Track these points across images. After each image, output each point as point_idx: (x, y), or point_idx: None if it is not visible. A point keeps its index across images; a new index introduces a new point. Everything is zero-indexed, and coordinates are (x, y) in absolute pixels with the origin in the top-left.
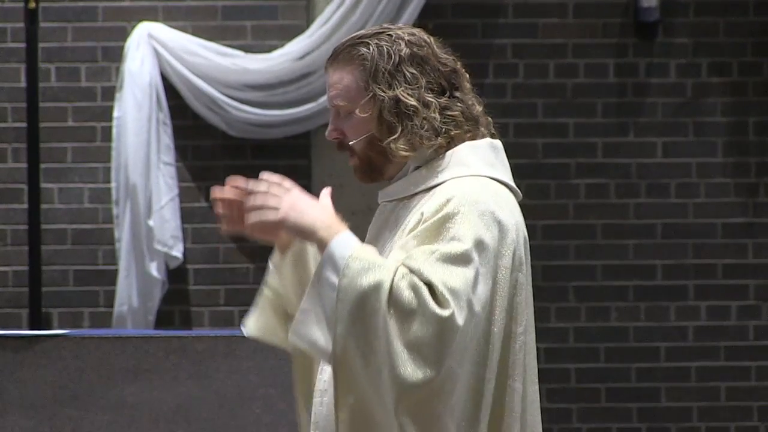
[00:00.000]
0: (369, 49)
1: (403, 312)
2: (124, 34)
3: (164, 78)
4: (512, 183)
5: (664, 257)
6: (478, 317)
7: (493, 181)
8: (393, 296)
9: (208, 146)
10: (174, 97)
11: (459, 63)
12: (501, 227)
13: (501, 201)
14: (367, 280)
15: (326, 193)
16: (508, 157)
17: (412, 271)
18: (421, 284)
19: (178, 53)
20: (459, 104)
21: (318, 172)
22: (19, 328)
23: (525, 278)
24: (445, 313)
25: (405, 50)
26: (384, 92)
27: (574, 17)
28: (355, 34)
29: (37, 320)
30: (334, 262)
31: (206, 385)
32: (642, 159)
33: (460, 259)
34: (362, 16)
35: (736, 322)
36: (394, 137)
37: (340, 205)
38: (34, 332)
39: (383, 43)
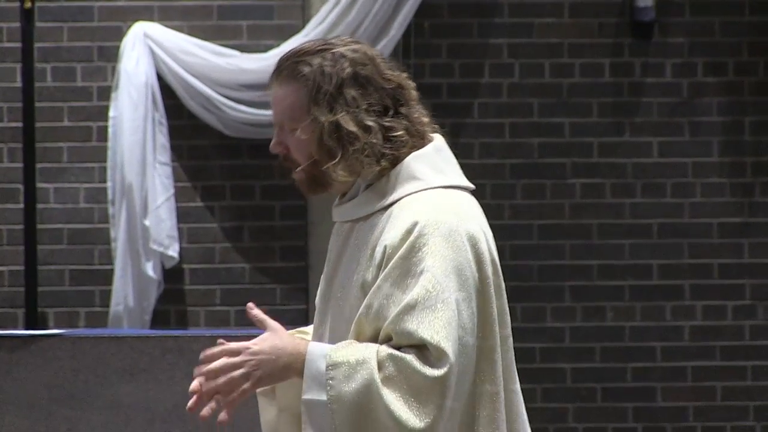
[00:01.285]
0: (311, 68)
1: (402, 393)
2: (119, 34)
3: (160, 78)
4: (464, 182)
5: (660, 257)
6: (469, 346)
7: (447, 189)
8: (386, 384)
9: (203, 146)
10: (170, 97)
11: (405, 75)
12: (472, 241)
13: (462, 211)
14: (355, 383)
15: (257, 313)
16: (504, 156)
17: (395, 338)
18: (407, 358)
19: (173, 53)
20: (404, 121)
21: None
22: (15, 327)
23: (500, 280)
24: (442, 371)
25: (348, 70)
26: (324, 116)
27: (569, 17)
28: (299, 48)
29: (33, 320)
30: (317, 381)
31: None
32: (638, 159)
33: (438, 301)
34: (358, 16)
35: (732, 321)
36: (333, 162)
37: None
38: (30, 332)
39: (326, 62)
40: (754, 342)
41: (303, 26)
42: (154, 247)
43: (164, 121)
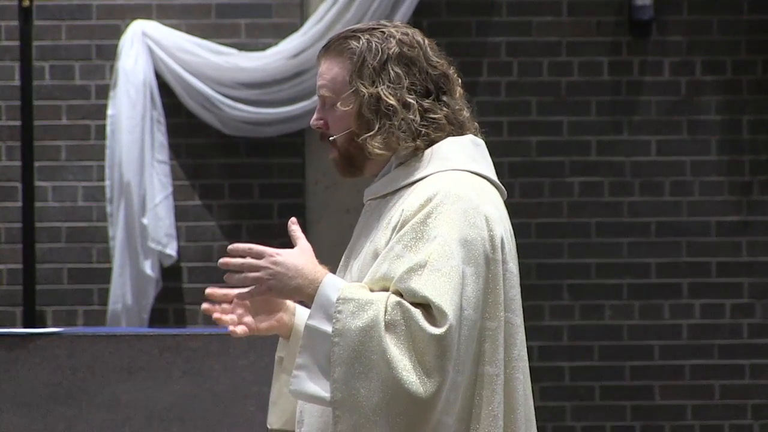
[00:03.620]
0: (359, 43)
1: (401, 341)
2: (118, 32)
3: (158, 76)
4: (496, 179)
5: (658, 255)
6: (471, 320)
7: (476, 175)
8: (389, 329)
9: (202, 144)
10: (168, 95)
11: (452, 68)
12: (488, 221)
13: (484, 195)
14: (360, 321)
15: (296, 229)
16: (503, 154)
17: (403, 296)
18: (413, 310)
19: (172, 51)
20: (444, 108)
21: (312, 170)
22: (13, 326)
23: (516, 269)
24: (441, 330)
25: (394, 49)
26: (366, 88)
27: (568, 15)
28: (350, 27)
29: (31, 318)
30: (324, 311)
31: (200, 383)
32: (636, 157)
33: (446, 266)
34: (356, 14)
35: (730, 320)
36: (370, 134)
37: (333, 204)
38: (28, 330)
39: (374, 39)
40: (753, 340)
41: (301, 24)
42: (153, 245)
43: (162, 119)
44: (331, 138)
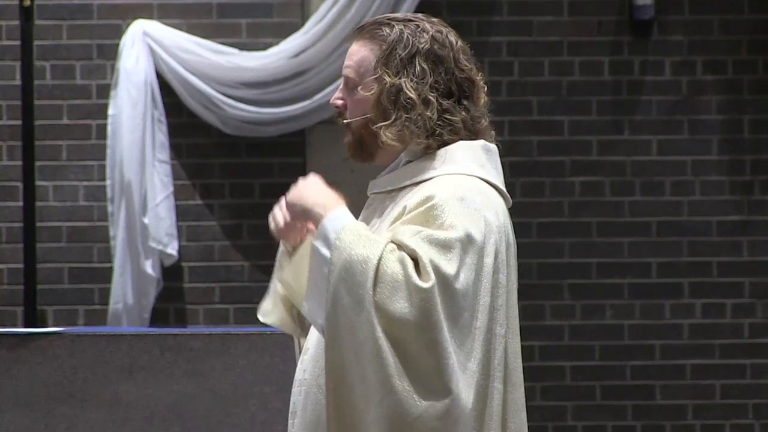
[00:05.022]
0: (392, 32)
1: (389, 285)
2: (119, 32)
3: (159, 76)
4: (503, 187)
5: (659, 255)
6: (459, 303)
7: (482, 181)
8: (381, 269)
9: (203, 144)
10: (169, 95)
11: (480, 75)
12: (487, 227)
13: (487, 201)
14: (357, 252)
15: (315, 177)
16: (504, 154)
17: (401, 246)
18: (407, 259)
19: (173, 51)
20: (464, 112)
21: (312, 170)
22: (14, 325)
23: (506, 281)
24: (427, 284)
25: (425, 44)
26: (389, 77)
27: (569, 15)
28: (388, 15)
29: (32, 318)
30: (326, 236)
31: (201, 382)
32: (637, 157)
33: (446, 245)
34: (357, 14)
35: (731, 319)
36: (385, 124)
37: None
38: (29, 330)
39: (408, 30)
40: (753, 340)
41: (302, 24)
42: (153, 245)
43: (163, 119)
44: (345, 121)
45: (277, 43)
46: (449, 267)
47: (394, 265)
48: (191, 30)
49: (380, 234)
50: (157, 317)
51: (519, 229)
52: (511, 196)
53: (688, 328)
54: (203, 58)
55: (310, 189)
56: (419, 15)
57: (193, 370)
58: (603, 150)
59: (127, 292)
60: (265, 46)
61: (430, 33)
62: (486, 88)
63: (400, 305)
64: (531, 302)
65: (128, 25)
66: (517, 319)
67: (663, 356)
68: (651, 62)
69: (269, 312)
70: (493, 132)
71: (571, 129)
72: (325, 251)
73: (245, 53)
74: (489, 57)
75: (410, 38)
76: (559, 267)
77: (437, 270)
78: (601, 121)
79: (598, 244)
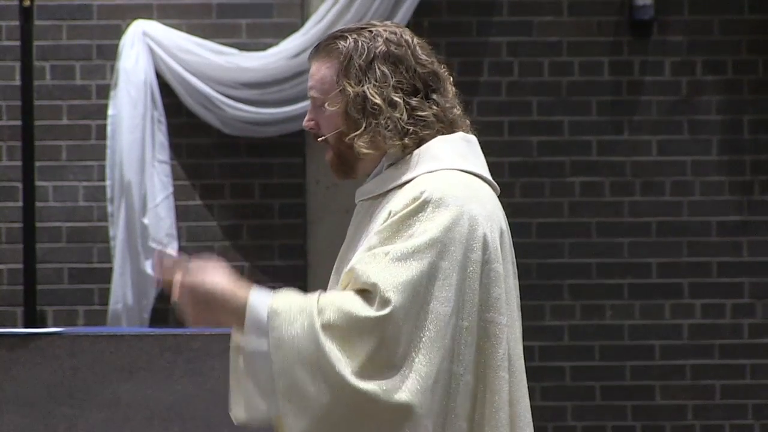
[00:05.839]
0: (346, 43)
1: (342, 337)
2: (118, 32)
3: (159, 76)
4: (487, 175)
5: (658, 255)
6: (439, 314)
7: (465, 173)
8: (326, 330)
9: (202, 144)
10: (169, 95)
11: (443, 66)
12: (472, 221)
13: (471, 193)
14: (294, 329)
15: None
16: (504, 154)
17: (353, 285)
18: (347, 302)
19: (172, 51)
20: (434, 106)
21: (312, 170)
22: (14, 326)
23: (503, 270)
24: (385, 311)
25: (381, 48)
26: (352, 87)
27: (568, 15)
28: (340, 28)
29: (32, 318)
30: (258, 328)
31: (201, 383)
32: (637, 157)
33: (412, 256)
34: (357, 14)
35: (731, 320)
36: (357, 133)
37: (334, 204)
38: (28, 330)
39: (361, 38)
40: (753, 340)
41: (302, 24)
42: (153, 245)
43: (163, 119)
44: (321, 138)
45: (276, 44)
46: (411, 280)
47: (337, 318)
48: (191, 30)
49: (364, 245)
50: (157, 317)
51: (519, 229)
52: (510, 197)
53: (688, 329)
54: (203, 59)
55: (210, 299)
56: (371, 21)
57: (193, 371)
58: (603, 150)
59: (126, 292)
60: (264, 47)
61: (384, 36)
62: (452, 79)
63: (361, 348)
64: (531, 302)
65: (128, 25)
66: (516, 304)
67: (663, 356)
68: (651, 62)
69: (242, 412)
70: (468, 121)
71: (571, 129)
72: (261, 344)
73: (245, 53)
74: (489, 57)
75: (365, 45)
76: (559, 267)
77: (396, 297)
78: (600, 121)
79: (598, 245)
